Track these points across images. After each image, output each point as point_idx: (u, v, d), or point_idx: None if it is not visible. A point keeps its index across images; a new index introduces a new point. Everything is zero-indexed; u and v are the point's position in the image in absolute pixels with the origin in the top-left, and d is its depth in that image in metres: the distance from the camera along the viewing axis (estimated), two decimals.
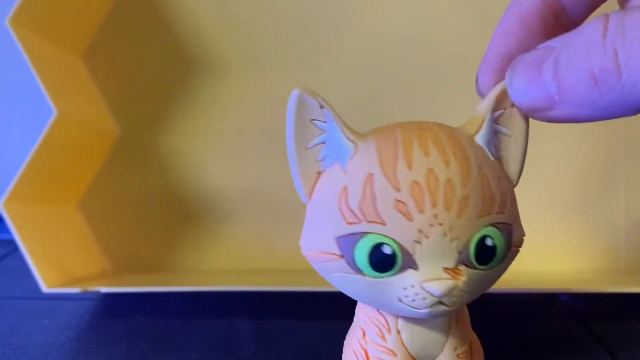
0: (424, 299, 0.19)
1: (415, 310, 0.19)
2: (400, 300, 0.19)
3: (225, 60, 0.46)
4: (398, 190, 0.18)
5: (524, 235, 0.21)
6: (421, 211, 0.18)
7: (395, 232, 0.18)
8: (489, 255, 0.19)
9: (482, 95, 0.21)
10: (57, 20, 0.41)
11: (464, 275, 0.19)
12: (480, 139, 0.20)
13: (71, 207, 0.44)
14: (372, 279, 0.19)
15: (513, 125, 0.20)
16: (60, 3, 0.41)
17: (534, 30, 0.20)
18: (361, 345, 0.23)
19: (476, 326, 0.36)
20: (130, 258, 0.45)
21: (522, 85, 0.18)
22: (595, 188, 0.45)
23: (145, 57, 0.46)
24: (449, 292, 0.18)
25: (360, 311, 0.23)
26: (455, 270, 0.19)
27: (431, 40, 0.45)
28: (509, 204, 0.20)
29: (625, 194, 0.44)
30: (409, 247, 0.18)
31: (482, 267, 0.19)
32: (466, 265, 0.19)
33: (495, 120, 0.20)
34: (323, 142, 0.20)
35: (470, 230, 0.18)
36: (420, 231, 0.18)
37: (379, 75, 0.46)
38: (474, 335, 0.24)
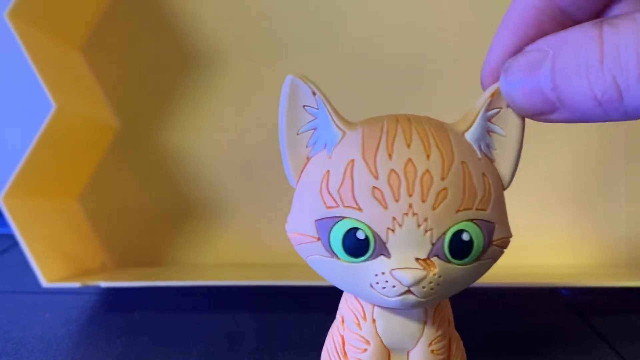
0: (394, 286, 0.19)
1: (386, 298, 0.19)
2: (372, 287, 0.19)
3: (225, 54, 0.46)
4: (376, 177, 0.19)
5: (511, 236, 0.21)
6: (396, 200, 0.18)
7: (369, 219, 0.19)
8: (464, 250, 0.19)
9: None
10: (56, 14, 0.41)
11: (437, 267, 0.19)
12: (469, 135, 0.20)
13: (71, 202, 0.44)
14: (346, 263, 0.19)
15: (507, 125, 0.20)
16: None
17: (532, 33, 0.20)
18: (339, 332, 0.23)
19: (476, 320, 0.36)
20: (131, 252, 0.45)
21: (519, 92, 0.18)
22: (596, 181, 0.45)
23: (144, 51, 0.46)
24: (418, 282, 0.19)
25: (343, 299, 0.23)
26: (427, 262, 0.19)
27: (431, 35, 0.45)
28: (494, 203, 0.19)
29: (626, 187, 0.44)
30: (382, 234, 0.19)
31: (457, 261, 0.19)
32: (439, 257, 0.19)
33: (489, 119, 0.20)
34: (314, 129, 0.21)
35: (446, 223, 0.18)
36: (394, 219, 0.18)
37: (377, 68, 0.45)
38: (456, 336, 0.24)
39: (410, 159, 0.18)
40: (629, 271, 0.43)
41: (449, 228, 0.19)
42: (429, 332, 0.22)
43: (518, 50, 0.19)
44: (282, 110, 0.21)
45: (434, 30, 0.45)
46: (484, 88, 0.21)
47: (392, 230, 0.18)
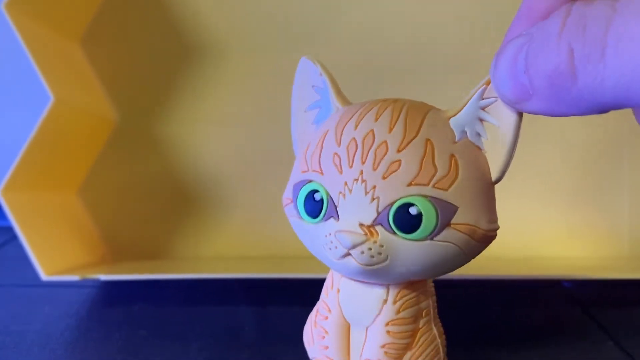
0: (336, 248, 0.19)
1: (334, 260, 0.20)
2: (324, 248, 0.20)
3: (224, 47, 0.45)
4: (339, 144, 0.20)
5: (484, 228, 0.20)
6: (350, 166, 0.19)
7: (327, 182, 0.20)
8: (411, 224, 0.19)
9: None
10: (54, 6, 0.40)
11: (379, 235, 0.19)
12: (454, 121, 0.20)
13: (70, 195, 0.44)
14: (307, 224, 0.21)
15: (501, 116, 0.19)
16: None
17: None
18: (317, 304, 0.24)
19: (478, 311, 0.36)
20: (130, 245, 0.45)
21: (502, 76, 0.18)
22: (599, 173, 0.44)
23: (143, 43, 0.46)
24: (356, 246, 0.19)
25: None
26: (371, 229, 0.19)
27: (434, 28, 0.45)
28: (461, 186, 0.19)
29: (629, 179, 0.44)
30: (335, 198, 0.19)
31: (403, 234, 0.19)
32: (384, 227, 0.19)
33: (483, 108, 0.19)
34: (319, 107, 0.22)
35: (394, 193, 0.19)
36: (346, 184, 0.19)
37: (377, 61, 0.45)
38: (431, 333, 0.23)
39: (372, 130, 0.19)
40: (631, 263, 0.43)
41: (398, 199, 0.19)
42: (388, 312, 0.22)
43: None
44: (294, 90, 0.22)
45: (437, 21, 0.45)
46: None
47: (343, 195, 0.19)
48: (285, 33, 0.45)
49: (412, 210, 0.19)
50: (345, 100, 0.22)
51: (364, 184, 0.19)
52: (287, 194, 0.22)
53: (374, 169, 0.19)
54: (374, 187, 0.19)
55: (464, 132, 0.20)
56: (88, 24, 0.45)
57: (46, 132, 0.37)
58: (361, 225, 0.19)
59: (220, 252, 0.45)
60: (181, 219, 0.45)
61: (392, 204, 0.19)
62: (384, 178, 0.19)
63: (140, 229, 0.45)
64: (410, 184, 0.19)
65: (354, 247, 0.19)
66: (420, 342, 0.22)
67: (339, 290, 0.22)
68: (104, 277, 0.36)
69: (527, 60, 0.16)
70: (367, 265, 0.19)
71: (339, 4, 0.45)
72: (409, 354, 0.22)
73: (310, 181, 0.20)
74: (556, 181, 0.44)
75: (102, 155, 0.45)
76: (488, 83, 0.19)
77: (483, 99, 0.19)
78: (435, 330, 0.23)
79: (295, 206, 0.21)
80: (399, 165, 0.19)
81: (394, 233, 0.19)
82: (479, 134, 0.20)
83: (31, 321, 0.35)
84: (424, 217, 0.19)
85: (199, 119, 0.45)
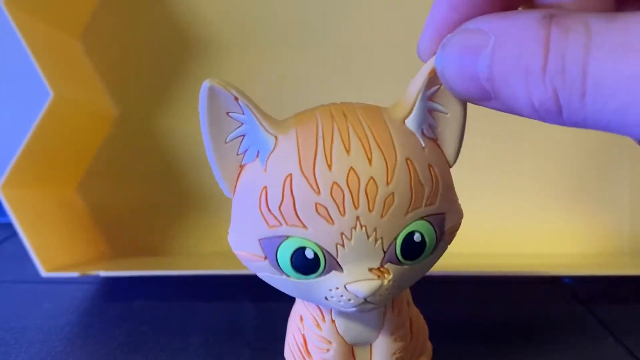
0: (349, 300, 0.18)
1: (343, 309, 0.19)
2: (327, 299, 0.19)
3: (223, 42, 0.45)
4: (318, 192, 0.17)
5: (461, 218, 0.20)
6: (342, 214, 0.17)
7: (317, 236, 0.18)
8: (417, 250, 0.18)
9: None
10: (54, 2, 0.40)
11: (391, 273, 0.18)
12: (410, 122, 0.19)
13: (70, 191, 0.44)
14: (298, 281, 0.19)
15: (450, 102, 0.19)
16: None
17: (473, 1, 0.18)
18: (299, 331, 0.23)
19: (478, 308, 0.36)
20: (130, 241, 0.45)
21: (454, 74, 0.17)
22: (599, 169, 0.44)
23: (143, 38, 0.45)
24: (375, 293, 0.18)
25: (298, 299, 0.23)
26: (381, 270, 0.18)
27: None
28: (442, 192, 0.19)
29: (630, 175, 0.44)
30: (332, 250, 0.18)
31: (411, 262, 0.19)
32: (392, 262, 0.18)
33: (429, 98, 0.18)
34: (243, 135, 0.19)
35: (396, 228, 0.18)
36: (343, 234, 0.18)
37: (377, 59, 0.45)
38: (414, 313, 0.24)
39: (352, 168, 0.17)
40: (632, 260, 0.43)
41: (400, 232, 0.18)
42: (390, 322, 0.22)
43: (459, 17, 0.17)
44: (203, 120, 0.19)
45: None
46: (424, 60, 0.19)
47: (342, 245, 0.18)
48: (286, 29, 0.45)
49: (416, 237, 0.18)
50: (279, 125, 0.19)
51: (363, 229, 0.17)
52: (247, 248, 0.19)
53: (370, 211, 0.17)
54: (375, 229, 0.18)
55: (422, 131, 0.19)
56: (88, 20, 0.45)
57: (46, 128, 0.37)
58: (371, 269, 0.18)
59: (221, 248, 0.45)
60: (181, 214, 0.45)
61: (395, 239, 0.18)
62: (382, 217, 0.17)
63: (140, 224, 0.45)
64: (407, 212, 0.18)
65: (372, 294, 0.18)
66: (416, 331, 0.23)
67: (333, 321, 0.22)
68: (103, 273, 0.36)
69: (492, 70, 0.15)
70: (384, 301, 0.19)
71: (339, 2, 0.45)
72: (412, 345, 0.23)
73: (288, 237, 0.18)
74: (556, 177, 0.44)
75: (102, 151, 0.45)
76: (431, 73, 0.18)
77: (429, 89, 0.18)
78: (415, 308, 0.24)
79: (275, 265, 0.19)
80: (393, 198, 0.17)
81: (402, 264, 0.18)
82: (431, 126, 0.19)
83: (31, 317, 0.35)
84: (426, 239, 0.18)
85: (198, 114, 0.45)
